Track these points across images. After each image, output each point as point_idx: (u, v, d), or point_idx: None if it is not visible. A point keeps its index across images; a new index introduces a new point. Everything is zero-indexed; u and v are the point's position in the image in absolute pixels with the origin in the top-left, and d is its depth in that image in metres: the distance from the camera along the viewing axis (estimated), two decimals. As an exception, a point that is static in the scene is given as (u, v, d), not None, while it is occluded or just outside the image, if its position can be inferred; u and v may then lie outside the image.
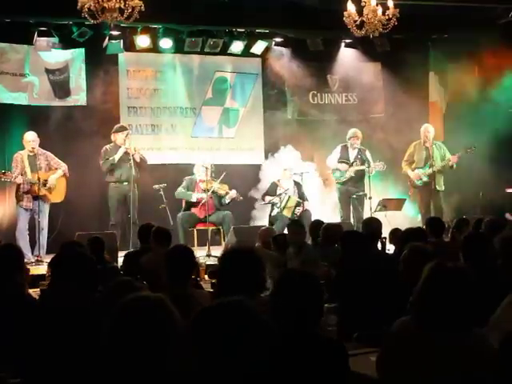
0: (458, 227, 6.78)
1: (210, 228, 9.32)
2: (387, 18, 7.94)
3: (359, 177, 9.95)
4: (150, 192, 9.31)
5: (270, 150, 10.92)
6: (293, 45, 10.98)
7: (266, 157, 10.96)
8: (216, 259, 8.46)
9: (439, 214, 9.56)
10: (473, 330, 2.60)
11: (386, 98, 11.56)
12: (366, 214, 9.25)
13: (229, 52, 10.70)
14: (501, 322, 3.15)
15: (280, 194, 9.72)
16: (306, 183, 10.00)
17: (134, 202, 9.16)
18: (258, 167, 10.81)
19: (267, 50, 10.91)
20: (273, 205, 9.75)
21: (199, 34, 10.34)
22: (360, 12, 7.99)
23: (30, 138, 8.79)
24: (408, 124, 10.72)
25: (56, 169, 8.94)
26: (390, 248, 6.84)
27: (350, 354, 2.81)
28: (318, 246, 6.51)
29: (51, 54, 9.92)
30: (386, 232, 6.53)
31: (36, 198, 8.66)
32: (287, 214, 9.54)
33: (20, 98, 9.84)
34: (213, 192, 9.38)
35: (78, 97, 10.14)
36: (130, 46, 10.15)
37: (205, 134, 11.08)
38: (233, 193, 9.43)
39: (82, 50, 10.07)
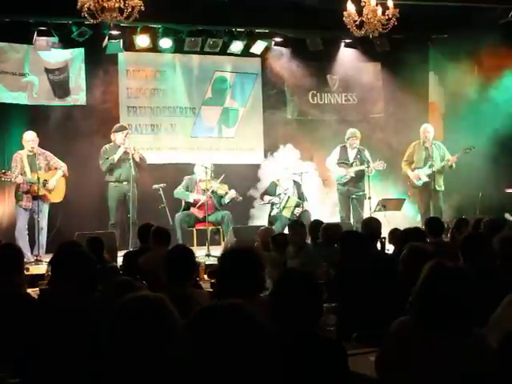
0: (458, 227, 6.78)
1: (210, 228, 9.33)
2: (387, 17, 7.94)
3: (359, 177, 9.96)
4: (149, 192, 9.31)
5: (270, 149, 10.92)
6: (292, 45, 10.99)
7: (266, 156, 10.97)
8: (215, 259, 8.46)
9: (439, 214, 9.56)
10: (472, 330, 2.60)
11: (385, 97, 11.57)
12: (366, 214, 9.25)
13: (228, 52, 10.70)
14: (500, 322, 3.15)
15: (279, 194, 9.73)
16: (306, 183, 9.99)
17: (134, 202, 9.16)
18: (257, 167, 10.81)
19: (267, 49, 10.91)
20: (272, 205, 9.75)
21: (199, 34, 10.35)
22: (360, 12, 8.00)
23: (30, 137, 8.79)
24: (407, 124, 10.73)
25: (55, 168, 8.94)
26: (390, 248, 6.84)
27: (350, 354, 2.81)
28: (318, 245, 6.50)
29: (51, 53, 9.92)
30: (385, 232, 6.53)
31: (35, 197, 8.66)
32: (287, 214, 9.55)
33: (20, 98, 9.84)
34: (212, 192, 9.39)
35: (78, 96, 10.14)
36: (129, 46, 10.15)
37: (204, 134, 11.08)
38: (232, 193, 9.44)
39: (81, 50, 10.07)
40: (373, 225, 5.95)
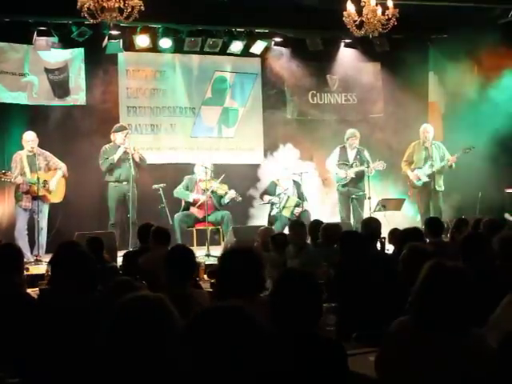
0: (458, 227, 6.78)
1: (209, 228, 9.33)
2: (387, 17, 7.94)
3: (359, 177, 9.96)
4: (149, 192, 9.32)
5: (270, 148, 10.93)
6: (292, 45, 10.99)
7: (265, 156, 10.97)
8: (215, 259, 8.46)
9: (438, 214, 9.57)
10: (471, 330, 2.61)
11: (385, 97, 11.57)
12: (366, 214, 9.25)
13: (228, 52, 10.70)
14: (500, 322, 3.15)
15: (279, 194, 9.73)
16: (305, 183, 9.99)
17: (134, 202, 9.16)
18: (257, 167, 10.82)
19: (267, 49, 10.91)
20: (272, 204, 9.75)
21: (199, 34, 10.35)
22: (359, 12, 8.00)
23: (29, 137, 8.80)
24: (407, 124, 10.73)
25: (55, 169, 8.94)
26: (390, 248, 6.84)
27: (349, 354, 2.81)
28: (318, 246, 6.50)
29: (51, 53, 9.92)
30: (385, 232, 6.53)
31: (35, 198, 8.66)
32: (286, 213, 9.55)
33: (19, 98, 9.84)
34: (212, 192, 9.39)
35: (78, 96, 10.14)
36: (129, 46, 10.15)
37: (204, 134, 11.08)
38: (232, 193, 9.44)
39: (81, 50, 10.07)
40: (372, 225, 5.95)
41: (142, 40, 10.05)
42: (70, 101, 10.10)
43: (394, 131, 10.84)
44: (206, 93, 11.07)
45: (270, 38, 10.77)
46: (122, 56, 10.43)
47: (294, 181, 9.93)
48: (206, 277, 7.22)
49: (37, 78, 9.93)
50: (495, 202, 10.32)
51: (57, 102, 10.02)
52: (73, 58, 10.11)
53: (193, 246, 8.77)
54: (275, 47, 10.98)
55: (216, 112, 11.15)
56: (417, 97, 11.19)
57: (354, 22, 8.00)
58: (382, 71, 11.58)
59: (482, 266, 3.98)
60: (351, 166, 9.99)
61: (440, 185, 10.12)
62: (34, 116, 9.79)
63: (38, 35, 9.59)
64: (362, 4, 7.95)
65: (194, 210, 9.44)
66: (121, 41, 9.93)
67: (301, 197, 9.76)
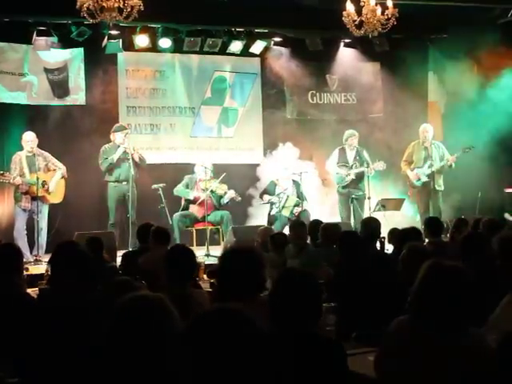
0: (457, 227, 6.78)
1: (209, 228, 9.33)
2: (386, 17, 7.94)
3: (359, 178, 9.95)
4: (148, 192, 9.32)
5: (269, 147, 10.92)
6: (292, 44, 10.99)
7: (265, 155, 10.97)
8: (215, 259, 8.46)
9: (438, 213, 9.57)
10: (470, 330, 2.60)
11: (384, 97, 11.57)
12: (366, 214, 9.25)
13: (228, 52, 10.71)
14: (500, 322, 3.15)
15: (279, 194, 9.73)
16: (305, 183, 9.99)
17: (133, 202, 9.16)
18: (256, 166, 10.81)
19: (266, 49, 10.91)
20: (271, 204, 9.75)
21: (198, 34, 10.35)
22: (359, 12, 7.99)
23: (29, 138, 8.80)
24: (407, 124, 10.73)
25: (54, 170, 8.93)
26: (389, 248, 6.84)
27: (349, 354, 2.81)
28: (317, 246, 6.50)
29: (50, 53, 9.92)
30: (384, 232, 6.53)
31: (35, 198, 8.66)
32: (286, 213, 9.55)
33: (19, 98, 9.84)
34: (211, 191, 9.39)
35: (77, 96, 10.14)
36: (128, 46, 10.15)
37: (204, 134, 11.08)
38: (231, 193, 9.44)
39: (80, 50, 10.07)
40: (372, 225, 5.95)
41: (142, 40, 10.05)
42: (69, 101, 10.11)
43: (393, 131, 10.85)
44: (205, 93, 11.07)
45: (269, 37, 10.77)
46: (122, 56, 10.43)
47: (293, 180, 9.93)
48: (205, 277, 7.21)
49: (36, 77, 9.93)
50: (495, 202, 10.33)
51: (56, 102, 10.02)
52: (72, 58, 10.11)
53: (192, 245, 8.75)
54: (275, 47, 10.98)
55: (215, 112, 11.16)
56: (416, 96, 11.19)
57: (354, 21, 8.00)
58: (382, 71, 11.58)
59: (482, 266, 3.98)
60: (351, 168, 9.98)
61: (440, 184, 10.12)
62: (33, 116, 9.79)
63: (38, 35, 9.59)
64: (362, 4, 7.95)
65: (193, 210, 9.44)
66: (120, 41, 9.93)
67: (300, 196, 9.76)
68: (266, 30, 10.71)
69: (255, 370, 1.66)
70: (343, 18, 8.03)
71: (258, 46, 10.70)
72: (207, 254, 8.80)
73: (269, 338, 1.73)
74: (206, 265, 7.83)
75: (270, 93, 11.35)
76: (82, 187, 9.50)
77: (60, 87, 10.05)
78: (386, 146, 10.63)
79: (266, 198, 9.81)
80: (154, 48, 10.31)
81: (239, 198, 9.56)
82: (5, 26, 9.42)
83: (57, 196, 8.95)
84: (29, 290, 5.11)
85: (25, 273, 6.09)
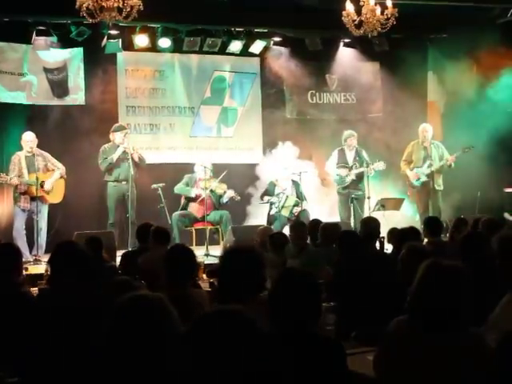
0: (457, 227, 6.78)
1: (208, 227, 9.33)
2: (386, 17, 7.94)
3: (359, 178, 9.95)
4: (148, 191, 9.32)
5: (269, 146, 10.92)
6: (291, 44, 10.99)
7: (264, 153, 10.97)
8: (214, 258, 8.47)
9: (438, 213, 9.56)
10: (469, 330, 2.61)
11: (384, 97, 11.57)
12: (366, 215, 9.25)
13: (227, 51, 10.70)
14: (499, 322, 3.15)
15: (278, 194, 9.72)
16: (305, 183, 9.99)
17: (133, 202, 9.16)
18: (256, 165, 10.81)
19: (266, 49, 10.91)
20: (271, 204, 9.75)
21: (198, 34, 10.34)
22: (359, 11, 7.99)
23: (29, 138, 8.80)
24: (406, 123, 10.73)
25: (53, 170, 8.93)
26: (389, 247, 6.84)
27: (348, 354, 2.81)
28: (317, 245, 6.49)
29: (50, 53, 9.91)
30: (384, 231, 6.53)
31: (34, 198, 8.65)
32: (285, 213, 9.55)
33: (18, 97, 9.83)
34: (211, 191, 9.39)
35: (77, 96, 10.13)
36: (128, 46, 10.15)
37: (203, 134, 11.08)
38: (230, 192, 9.44)
39: (80, 49, 10.06)
40: (371, 224, 5.94)
41: (141, 40, 10.05)
42: (69, 100, 10.10)
43: (393, 131, 10.84)
44: (205, 92, 11.07)
45: (269, 37, 10.77)
46: (121, 56, 10.42)
47: (292, 180, 9.93)
48: (205, 276, 7.21)
49: (36, 77, 9.92)
50: (494, 202, 10.33)
51: (56, 102, 10.02)
52: (72, 58, 10.10)
53: (192, 245, 8.75)
54: (274, 47, 10.98)
55: (215, 111, 11.15)
56: (416, 96, 11.19)
57: (353, 21, 7.99)
58: (381, 71, 11.58)
59: (481, 266, 3.98)
60: (351, 168, 9.98)
61: (439, 184, 10.12)
62: (32, 116, 9.79)
63: (37, 35, 9.59)
64: (361, 4, 7.95)
65: (192, 210, 9.44)
66: (120, 40, 9.93)
67: (300, 196, 9.76)
68: (266, 30, 10.70)
69: (256, 371, 1.66)
70: (343, 18, 8.02)
71: (257, 46, 10.70)
72: (207, 254, 8.81)
73: (269, 338, 1.73)
74: (206, 264, 7.83)
75: (269, 92, 11.34)
76: (82, 187, 9.49)
77: (59, 87, 10.05)
78: (385, 145, 10.63)
79: (266, 198, 9.81)
80: (153, 48, 10.31)
81: (238, 198, 9.56)
82: (4, 25, 9.41)
83: (56, 196, 8.94)
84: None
85: (24, 272, 6.08)
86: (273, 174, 10.12)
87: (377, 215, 8.13)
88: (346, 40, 10.92)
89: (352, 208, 9.94)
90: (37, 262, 8.28)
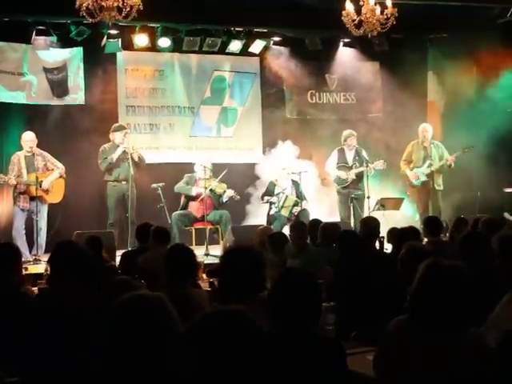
0: (457, 227, 6.78)
1: (208, 227, 9.33)
2: (385, 17, 7.94)
3: (360, 178, 9.95)
4: (148, 191, 9.32)
5: (268, 145, 10.92)
6: (291, 44, 10.99)
7: (264, 153, 10.97)
8: (214, 258, 8.47)
9: (438, 213, 9.56)
10: (470, 330, 2.60)
11: (384, 97, 11.57)
12: (366, 214, 9.25)
13: (227, 51, 10.70)
14: (499, 321, 3.15)
15: (278, 194, 9.72)
16: (304, 182, 9.98)
17: (132, 201, 9.15)
18: (256, 165, 10.81)
19: (266, 49, 10.91)
20: (271, 204, 9.75)
21: (197, 33, 10.34)
22: (358, 11, 7.99)
23: (28, 137, 8.79)
24: (406, 123, 10.73)
25: (52, 170, 8.93)
26: (388, 247, 6.84)
27: (348, 353, 2.81)
28: (317, 245, 6.49)
29: (49, 52, 9.91)
30: (384, 231, 6.53)
31: (33, 198, 8.65)
32: (285, 213, 9.55)
33: (18, 97, 9.83)
34: (211, 190, 9.39)
35: (77, 96, 10.13)
36: (128, 45, 10.15)
37: (203, 133, 11.08)
38: (230, 192, 9.44)
39: (80, 49, 10.06)
40: (371, 224, 5.94)
41: (141, 39, 10.05)
42: (68, 100, 10.10)
43: (392, 130, 10.84)
44: (204, 92, 11.06)
45: (268, 37, 10.77)
46: (121, 55, 10.42)
47: (292, 180, 9.92)
48: (204, 276, 7.21)
49: (35, 77, 9.92)
50: (494, 202, 10.32)
51: (56, 102, 10.01)
52: (71, 58, 10.09)
53: (192, 245, 8.75)
54: (274, 46, 10.99)
55: (215, 111, 11.15)
56: (416, 96, 11.19)
57: (353, 21, 7.99)
58: (381, 71, 11.58)
59: (481, 265, 3.98)
60: (351, 168, 9.98)
61: (439, 184, 10.12)
62: (32, 115, 9.78)
63: (37, 34, 9.59)
64: (361, 3, 7.95)
65: (192, 209, 9.43)
66: (119, 40, 9.94)
67: (300, 196, 9.76)
68: (266, 30, 10.71)
69: (257, 371, 1.66)
70: (342, 18, 8.02)
71: (257, 46, 10.70)
72: (206, 254, 8.81)
73: (271, 339, 1.73)
74: (206, 264, 7.83)
75: (269, 92, 11.34)
76: (82, 187, 9.49)
77: (59, 87, 10.04)
78: (385, 145, 10.63)
79: (266, 198, 9.81)
80: (153, 47, 10.31)
81: (238, 197, 9.56)
82: (4, 25, 9.41)
83: (55, 196, 8.94)
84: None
85: (24, 272, 6.08)
86: (272, 174, 10.12)
87: (376, 215, 8.13)
88: (346, 40, 10.93)
89: (352, 208, 9.94)
90: (36, 261, 8.28)
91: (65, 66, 10.06)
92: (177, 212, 9.31)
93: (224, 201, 9.51)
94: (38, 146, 8.87)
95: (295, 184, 9.89)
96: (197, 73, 11.02)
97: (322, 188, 10.76)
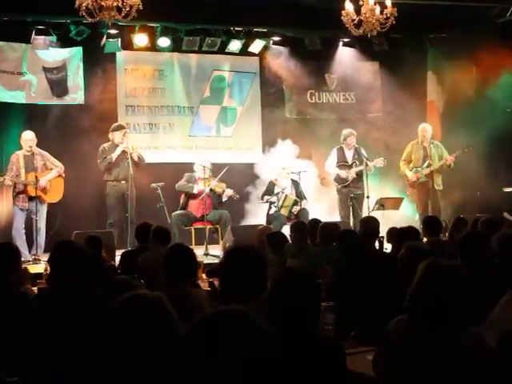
0: (456, 226, 6.78)
1: (208, 227, 9.32)
2: (385, 17, 7.94)
3: (360, 177, 9.96)
4: (147, 191, 9.32)
5: (268, 144, 10.91)
6: (291, 44, 10.99)
7: (264, 152, 10.97)
8: (214, 258, 8.48)
9: (437, 213, 9.56)
10: (469, 330, 2.60)
11: (383, 97, 11.57)
12: (365, 214, 9.26)
13: (227, 51, 10.70)
14: (499, 321, 3.15)
15: (277, 193, 9.72)
16: (304, 182, 9.98)
17: (132, 201, 9.15)
18: (255, 164, 10.80)
19: (265, 48, 10.91)
20: (270, 203, 9.75)
21: (197, 33, 10.34)
22: (358, 11, 7.99)
23: (28, 137, 8.80)
24: (406, 123, 10.72)
25: (51, 169, 8.92)
26: (388, 247, 6.84)
27: (348, 353, 2.81)
28: (317, 245, 6.49)
29: (49, 52, 9.91)
30: (383, 231, 6.53)
31: (32, 198, 8.65)
32: (284, 212, 9.55)
33: (18, 97, 9.82)
34: (210, 190, 9.38)
35: (76, 95, 10.12)
36: (127, 45, 10.15)
37: (202, 133, 11.08)
38: (229, 191, 9.44)
39: (79, 49, 10.05)
40: (371, 224, 5.95)
41: (141, 39, 10.05)
42: (68, 100, 10.09)
43: (392, 130, 10.84)
44: (204, 92, 11.06)
45: (268, 37, 10.77)
46: (121, 55, 10.42)
47: (292, 180, 9.92)
48: (204, 276, 7.21)
49: (35, 77, 9.91)
50: (494, 201, 10.33)
51: (55, 101, 10.01)
52: (71, 57, 10.09)
53: (191, 244, 8.74)
54: (274, 46, 10.98)
55: (214, 111, 11.15)
56: (415, 96, 11.19)
57: (353, 21, 7.99)
58: (381, 70, 11.58)
59: (481, 265, 3.98)
60: (351, 167, 9.98)
61: (438, 184, 10.12)
62: (32, 115, 9.79)
63: (37, 34, 9.59)
64: (361, 3, 7.95)
65: (191, 209, 9.42)
66: (119, 40, 9.94)
67: (300, 195, 9.76)
68: (265, 30, 10.70)
69: (259, 371, 1.66)
70: (342, 18, 8.03)
71: (256, 46, 10.70)
72: (206, 253, 8.81)
73: (273, 338, 1.73)
74: (205, 264, 7.83)
75: (268, 92, 11.34)
76: (81, 186, 9.49)
77: (59, 86, 10.04)
78: (384, 145, 10.62)
79: (266, 197, 9.80)
80: (152, 47, 10.30)
81: (237, 196, 9.56)
82: (3, 25, 9.40)
83: (54, 195, 8.93)
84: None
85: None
86: (272, 173, 10.12)
87: (376, 215, 8.14)
88: (346, 39, 10.92)
89: (351, 207, 9.94)
90: (36, 261, 8.28)
91: (64, 65, 10.06)
92: (176, 212, 9.30)
93: (223, 200, 9.50)
94: (37, 145, 8.87)
95: (295, 183, 9.89)
96: (196, 72, 11.02)
97: (321, 188, 10.76)
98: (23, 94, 9.86)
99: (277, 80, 11.22)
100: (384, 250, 6.61)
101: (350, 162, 10.01)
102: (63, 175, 9.01)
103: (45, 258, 7.35)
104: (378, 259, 5.26)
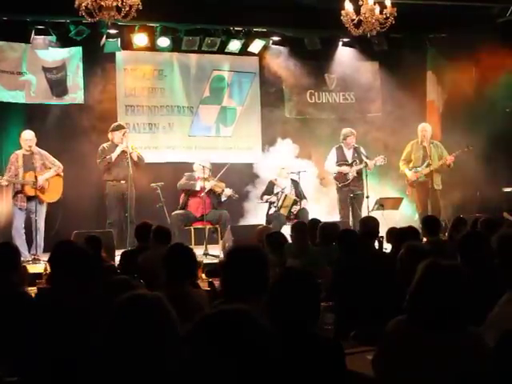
0: (456, 226, 6.78)
1: (207, 227, 9.33)
2: (385, 16, 7.94)
3: (360, 175, 9.96)
4: (147, 191, 9.32)
5: (268, 143, 10.91)
6: (290, 43, 10.99)
7: (263, 151, 10.97)
8: (213, 258, 8.48)
9: (437, 212, 9.56)
10: (469, 329, 2.61)
11: (383, 97, 11.57)
12: (365, 214, 9.26)
13: (226, 51, 10.70)
14: (498, 321, 3.15)
15: (277, 193, 9.72)
16: (303, 181, 9.99)
17: (131, 201, 9.15)
18: (255, 164, 10.80)
19: (265, 48, 10.91)
20: (270, 203, 9.75)
21: (197, 33, 10.34)
22: (357, 11, 7.99)
23: (28, 136, 8.80)
24: (405, 123, 10.72)
25: (50, 168, 8.92)
26: (388, 247, 6.84)
27: (347, 353, 2.81)
28: (316, 245, 6.49)
29: (48, 52, 9.91)
30: (383, 231, 6.53)
31: (31, 197, 8.65)
32: (284, 212, 9.55)
33: (17, 97, 9.82)
34: (210, 190, 9.38)
35: (76, 95, 10.12)
36: (127, 45, 10.15)
37: (202, 133, 11.07)
38: (228, 191, 9.44)
39: (79, 49, 10.05)
40: (370, 224, 5.94)
41: (140, 39, 10.05)
42: (67, 99, 10.09)
43: (392, 130, 10.84)
44: (203, 92, 11.06)
45: (268, 36, 10.77)
46: (120, 55, 10.42)
47: (292, 179, 9.93)
48: (204, 276, 7.21)
49: (35, 76, 9.91)
50: (493, 201, 10.33)
51: (55, 101, 10.01)
52: (71, 57, 10.09)
53: (191, 244, 8.74)
54: (273, 46, 10.98)
55: (214, 111, 11.15)
56: (415, 96, 11.19)
57: (352, 20, 8.00)
58: (380, 70, 11.58)
59: (481, 265, 3.98)
60: (352, 165, 9.98)
61: (438, 184, 10.13)
62: (31, 115, 9.79)
63: (36, 34, 9.59)
64: (360, 3, 7.95)
65: (191, 209, 9.42)
66: (119, 39, 9.94)
67: (299, 195, 9.76)
68: (265, 29, 10.70)
69: (260, 371, 1.66)
70: (342, 18, 8.03)
71: (256, 45, 10.70)
72: (206, 253, 8.81)
73: (274, 338, 1.73)
74: (205, 264, 7.83)
75: (268, 92, 11.33)
76: (81, 186, 9.48)
77: (58, 86, 10.04)
78: (384, 145, 10.62)
79: (265, 197, 9.80)
80: (152, 47, 10.30)
81: (236, 196, 9.57)
82: (3, 24, 9.40)
83: (52, 195, 8.92)
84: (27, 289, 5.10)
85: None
86: (271, 173, 10.12)
87: (376, 214, 8.15)
88: (345, 39, 10.93)
89: (351, 207, 9.95)
90: (35, 261, 8.28)
91: (64, 65, 10.06)
92: (176, 212, 9.30)
93: (223, 200, 9.51)
94: (37, 145, 8.88)
95: (294, 183, 9.89)
96: (196, 72, 11.02)
97: (320, 187, 10.76)
98: (23, 94, 9.86)
99: (276, 80, 11.22)
100: (384, 250, 6.62)
101: (350, 161, 10.01)
102: (61, 174, 9.00)
103: (44, 257, 7.36)
104: (377, 259, 5.27)
